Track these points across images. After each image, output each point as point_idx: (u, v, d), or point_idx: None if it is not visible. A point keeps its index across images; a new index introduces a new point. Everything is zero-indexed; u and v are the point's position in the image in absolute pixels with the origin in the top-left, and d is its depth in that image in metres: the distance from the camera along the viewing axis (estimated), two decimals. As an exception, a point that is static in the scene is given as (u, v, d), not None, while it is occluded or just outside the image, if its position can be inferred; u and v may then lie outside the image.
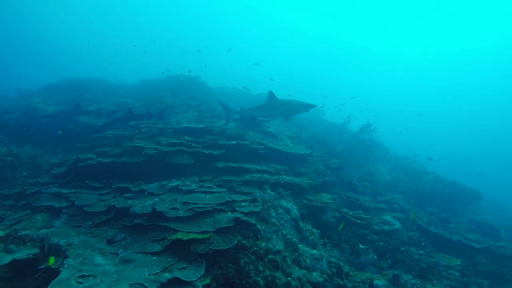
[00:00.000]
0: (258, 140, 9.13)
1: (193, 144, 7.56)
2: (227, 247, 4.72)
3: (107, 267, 3.70)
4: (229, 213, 5.49)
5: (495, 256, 8.28)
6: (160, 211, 5.11)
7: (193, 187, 6.22)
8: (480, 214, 11.34)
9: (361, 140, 12.23)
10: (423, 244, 8.10)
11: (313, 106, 8.21)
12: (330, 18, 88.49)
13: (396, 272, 6.23)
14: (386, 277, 6.27)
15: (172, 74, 17.94)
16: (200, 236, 4.77)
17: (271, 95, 8.35)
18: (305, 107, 8.22)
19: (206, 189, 6.21)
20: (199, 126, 8.73)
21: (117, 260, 4.00)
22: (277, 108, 8.18)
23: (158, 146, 7.33)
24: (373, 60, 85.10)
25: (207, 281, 4.35)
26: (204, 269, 4.34)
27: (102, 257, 3.97)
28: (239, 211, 5.49)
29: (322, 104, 21.78)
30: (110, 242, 4.62)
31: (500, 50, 69.98)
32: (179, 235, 4.69)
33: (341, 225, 7.09)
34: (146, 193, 5.93)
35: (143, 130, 8.59)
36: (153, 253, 4.34)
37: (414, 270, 7.07)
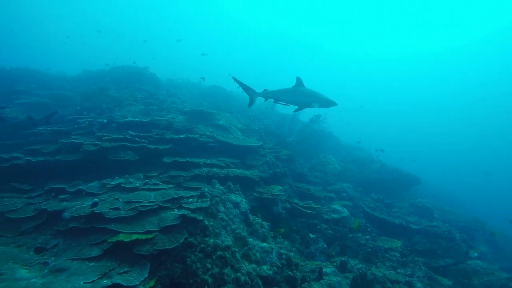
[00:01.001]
0: (208, 133, 8.94)
1: (137, 139, 7.16)
2: (173, 246, 4.54)
3: (33, 280, 3.33)
4: (176, 210, 5.29)
5: (429, 235, 9.03)
6: (99, 212, 4.76)
7: (137, 184, 5.90)
8: (418, 197, 12.30)
9: (311, 130, 12.54)
10: (369, 229, 8.57)
11: (335, 104, 7.56)
12: (283, 15, 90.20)
13: (343, 258, 6.51)
14: (335, 264, 6.54)
15: (118, 65, 16.89)
16: (144, 237, 4.53)
17: (299, 81, 7.57)
18: (330, 103, 7.48)
19: (151, 186, 5.93)
20: (145, 120, 8.30)
21: (46, 270, 3.63)
22: (307, 97, 7.38)
23: (99, 142, 6.83)
24: (326, 57, 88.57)
25: (152, 283, 4.15)
26: (148, 271, 4.12)
27: (26, 269, 3.57)
28: (186, 208, 5.32)
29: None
30: (39, 250, 4.20)
31: (437, 56, 77.18)
32: (121, 237, 4.41)
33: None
34: (84, 193, 5.49)
35: (83, 125, 7.96)
36: (91, 259, 4.02)
37: (360, 255, 7.46)
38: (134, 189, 5.73)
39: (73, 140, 6.78)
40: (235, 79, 8.06)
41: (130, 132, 7.47)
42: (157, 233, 4.69)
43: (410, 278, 6.29)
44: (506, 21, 66.55)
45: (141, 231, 4.54)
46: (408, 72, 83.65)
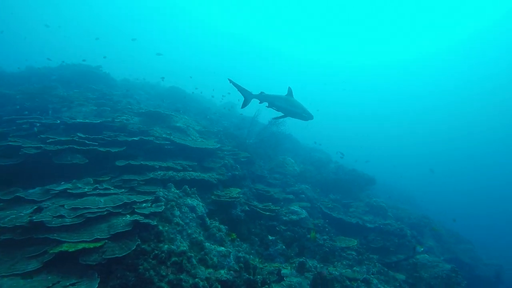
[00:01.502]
0: (164, 135, 8.65)
1: (87, 142, 6.72)
2: (124, 254, 4.29)
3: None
4: (128, 216, 5.02)
5: (383, 233, 9.48)
6: (40, 221, 4.36)
7: (86, 189, 5.51)
8: (373, 197, 12.86)
9: (270, 132, 12.64)
10: (327, 229, 8.79)
11: (312, 118, 8.01)
12: (244, 17, 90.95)
13: (301, 259, 6.59)
14: (294, 265, 6.59)
15: (68, 63, 15.80)
16: (92, 245, 4.22)
17: (290, 91, 8.05)
18: (309, 117, 7.96)
19: (102, 191, 5.58)
20: (96, 121, 7.83)
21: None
22: (295, 107, 7.83)
23: (42, 145, 6.30)
24: (283, 61, 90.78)
25: (101, 295, 3.90)
26: (97, 282, 3.85)
27: None
28: (139, 213, 5.07)
29: (237, 100, 21.96)
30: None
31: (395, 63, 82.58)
32: (65, 247, 4.07)
33: None
34: (23, 201, 5.02)
35: (24, 126, 7.30)
36: (27, 274, 3.65)
37: (318, 255, 7.61)
38: (83, 195, 5.35)
39: (11, 143, 6.19)
40: (230, 81, 8.24)
41: (79, 134, 7.00)
42: (106, 241, 4.41)
43: (368, 276, 6.53)
44: (459, 35, 72.82)
45: (88, 240, 4.23)
46: (364, 77, 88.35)
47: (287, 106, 7.81)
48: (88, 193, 5.39)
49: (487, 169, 63.17)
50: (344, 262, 7.71)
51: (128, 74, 21.04)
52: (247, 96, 8.25)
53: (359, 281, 6.43)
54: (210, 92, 21.12)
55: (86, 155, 6.51)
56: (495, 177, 59.37)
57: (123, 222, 4.80)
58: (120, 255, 4.26)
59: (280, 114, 8.14)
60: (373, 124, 76.35)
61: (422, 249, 7.57)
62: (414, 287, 7.67)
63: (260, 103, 8.00)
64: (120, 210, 5.12)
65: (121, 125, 8.05)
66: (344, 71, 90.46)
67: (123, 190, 6.02)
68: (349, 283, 6.40)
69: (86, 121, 7.82)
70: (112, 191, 5.72)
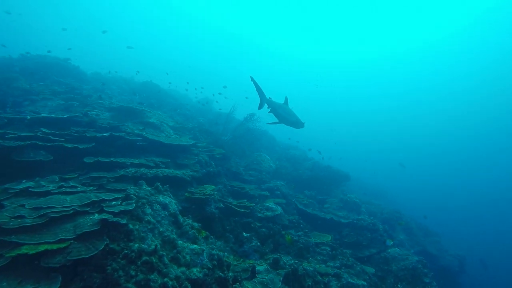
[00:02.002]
0: (136, 131, 8.38)
1: (52, 138, 6.37)
2: (90, 254, 4.11)
3: None
4: (96, 214, 4.81)
5: (356, 228, 9.68)
6: (-3, 222, 4.09)
7: (50, 188, 5.23)
8: (348, 193, 13.12)
9: (246, 129, 12.58)
10: (301, 225, 8.86)
11: (303, 126, 8.33)
12: (223, 9, 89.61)
13: (276, 255, 6.59)
14: (268, 261, 6.57)
15: (33, 54, 14.91)
16: (56, 246, 4.00)
17: (286, 100, 8.58)
18: (301, 125, 8.29)
19: (68, 189, 5.31)
20: (62, 116, 7.44)
21: None
22: (290, 116, 8.25)
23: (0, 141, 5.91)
24: (264, 55, 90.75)
25: (64, 298, 3.71)
26: (58, 285, 3.66)
27: None
28: (108, 212, 4.87)
29: (212, 95, 21.70)
30: None
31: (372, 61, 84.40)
32: (24, 250, 3.83)
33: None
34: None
35: (-19, 121, 6.84)
36: (-20, 279, 3.41)
37: (293, 251, 7.66)
38: (47, 194, 5.07)
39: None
40: (252, 79, 8.46)
41: (43, 130, 6.62)
42: (72, 241, 4.21)
43: (338, 270, 6.64)
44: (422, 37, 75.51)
45: (51, 241, 4.01)
46: (341, 74, 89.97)
47: (284, 114, 8.23)
48: (52, 191, 5.12)
49: (460, 164, 66.28)
50: (318, 258, 7.81)
51: (101, 68, 20.19)
52: (263, 99, 8.57)
53: (330, 276, 6.53)
54: (186, 87, 20.68)
55: (51, 152, 6.18)
56: (464, 172, 62.43)
57: (90, 221, 4.60)
58: (87, 256, 4.08)
59: (275, 120, 8.48)
60: (348, 120, 78.10)
61: (392, 243, 7.82)
62: (383, 280, 7.91)
63: (268, 107, 8.42)
64: (88, 209, 4.90)
65: (90, 120, 7.71)
66: (318, 66, 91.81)
67: (92, 188, 5.77)
68: (320, 278, 6.48)
69: (52, 115, 7.42)
70: (79, 189, 5.47)
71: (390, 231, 10.30)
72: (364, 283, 6.34)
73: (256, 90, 8.49)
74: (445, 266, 12.79)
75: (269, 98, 8.47)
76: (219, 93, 19.63)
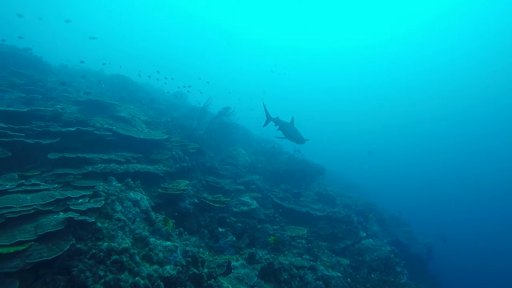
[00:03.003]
0: (106, 126, 8.02)
1: (10, 133, 5.93)
2: (54, 256, 3.86)
3: None
4: (61, 213, 4.53)
5: (332, 220, 9.79)
6: None
7: (7, 186, 4.87)
8: (323, 186, 13.25)
9: (221, 123, 12.37)
10: (277, 219, 8.84)
11: (304, 142, 9.22)
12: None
13: (252, 250, 6.52)
14: (244, 256, 6.50)
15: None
16: (13, 249, 3.71)
17: (292, 120, 9.39)
18: (302, 141, 9.21)
19: (28, 188, 4.96)
20: (22, 110, 6.95)
21: None
22: (295, 133, 9.15)
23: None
24: (238, 44, 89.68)
25: (23, 304, 3.46)
26: (13, 292, 3.41)
27: None
28: (74, 210, 4.60)
29: (184, 86, 21.15)
30: None
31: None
32: (-26, 255, 3.53)
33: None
34: None
35: None
36: None
37: (269, 245, 7.63)
38: (3, 193, 4.71)
39: None
40: (264, 105, 9.70)
41: (0, 124, 6.16)
42: (33, 242, 3.93)
43: (314, 263, 6.67)
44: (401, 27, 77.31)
45: (8, 243, 3.72)
46: (314, 64, 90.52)
47: (290, 132, 9.18)
48: (10, 190, 4.76)
49: (430, 156, 69.00)
50: (295, 251, 7.84)
51: (67, 60, 19.16)
52: (269, 118, 9.61)
53: (305, 269, 6.56)
54: (157, 76, 19.86)
55: (10, 148, 5.76)
56: (435, 163, 65.18)
57: (54, 220, 4.33)
58: (50, 258, 3.83)
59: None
60: (323, 114, 79.16)
61: (365, 234, 7.97)
62: (358, 270, 8.08)
63: (275, 125, 9.34)
64: (51, 208, 4.61)
65: (54, 114, 7.25)
66: (291, 55, 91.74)
67: (57, 185, 5.44)
68: (296, 271, 6.50)
69: (10, 109, 6.91)
70: (42, 187, 5.13)
71: (364, 222, 10.53)
72: (339, 274, 6.42)
73: (264, 111, 9.66)
74: (415, 254, 13.29)
75: (277, 117, 9.47)
76: (189, 86, 19.02)
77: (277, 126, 9.36)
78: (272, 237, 7.28)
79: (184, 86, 18.03)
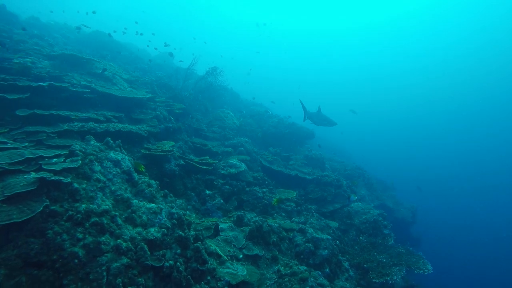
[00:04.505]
0: (84, 82, 7.41)
1: (-31, 85, 5.33)
2: (25, 218, 3.55)
3: None
4: (32, 173, 4.14)
5: (321, 184, 9.68)
6: None
7: (-30, 144, 4.41)
8: (312, 150, 13.08)
9: (208, 83, 11.75)
10: (266, 182, 8.65)
11: (336, 124, 11.07)
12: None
13: (240, 213, 6.35)
14: (232, 219, 6.34)
15: None
16: (-23, 211, 3.37)
17: (319, 108, 11.08)
18: (333, 125, 11.09)
19: (-5, 146, 4.51)
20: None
21: None
22: (325, 120, 11.02)
23: None
24: (221, 20, 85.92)
25: (-11, 270, 3.17)
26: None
27: None
28: (47, 170, 4.21)
29: (174, 48, 20.03)
30: None
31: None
32: None
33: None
34: None
35: None
36: None
37: (258, 208, 7.48)
38: (-35, 151, 4.26)
39: None
40: (301, 102, 11.36)
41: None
42: (0, 204, 3.58)
43: (303, 225, 6.58)
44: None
45: (-30, 205, 3.35)
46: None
47: (317, 121, 11.06)
48: (-28, 148, 4.31)
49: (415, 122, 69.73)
50: (283, 214, 7.74)
51: (38, 13, 17.56)
52: (306, 113, 11.24)
53: (295, 231, 6.47)
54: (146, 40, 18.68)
55: (-28, 103, 5.20)
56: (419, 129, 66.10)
57: (24, 180, 3.95)
58: (20, 220, 3.50)
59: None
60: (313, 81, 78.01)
61: (356, 197, 7.91)
62: (346, 233, 8.10)
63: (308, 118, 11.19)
64: (21, 167, 4.20)
65: (21, 67, 6.58)
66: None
67: (27, 144, 4.99)
68: (285, 233, 6.41)
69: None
70: (10, 146, 4.68)
71: (353, 186, 10.50)
72: (329, 237, 6.36)
73: (303, 107, 11.21)
74: (400, 218, 13.60)
75: (308, 110, 11.24)
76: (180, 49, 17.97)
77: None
78: (275, 199, 7.12)
79: (175, 49, 16.92)
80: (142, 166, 5.31)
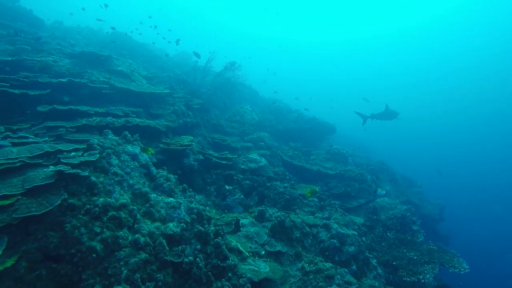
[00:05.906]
0: (102, 79, 7.42)
1: (-8, 82, 5.39)
2: (44, 210, 3.49)
3: None
4: (51, 167, 4.10)
5: (344, 179, 9.35)
6: None
7: (-8, 139, 4.42)
8: (334, 144, 12.71)
9: (225, 79, 11.58)
10: (288, 177, 8.42)
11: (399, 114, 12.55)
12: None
13: (261, 208, 6.14)
14: (253, 214, 6.13)
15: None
16: (-2, 203, 3.33)
17: (387, 106, 12.28)
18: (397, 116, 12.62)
19: (15, 140, 4.51)
20: (6, 59, 6.35)
21: None
22: (393, 115, 12.35)
23: None
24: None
25: (12, 261, 3.11)
26: (3, 248, 3.05)
27: None
28: (65, 163, 4.15)
29: (197, 46, 20.05)
30: None
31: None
32: (-44, 208, 3.14)
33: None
34: None
35: None
36: None
37: (279, 203, 7.25)
38: (-13, 145, 4.27)
39: None
40: (357, 112, 12.80)
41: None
42: (19, 196, 3.53)
43: (327, 221, 6.29)
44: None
45: (-9, 197, 3.31)
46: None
47: (390, 117, 12.29)
48: (-5, 142, 4.32)
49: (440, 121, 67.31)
50: (306, 209, 7.47)
51: (63, 17, 18.00)
52: (365, 118, 12.62)
53: (319, 227, 6.20)
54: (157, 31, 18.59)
55: (-5, 99, 5.25)
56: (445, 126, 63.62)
57: (43, 174, 3.90)
58: (39, 213, 3.44)
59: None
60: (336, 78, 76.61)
61: (384, 192, 7.52)
62: (372, 229, 7.74)
63: (371, 120, 12.66)
64: (41, 161, 4.17)
65: (43, 65, 6.64)
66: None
67: (47, 138, 4.98)
68: (309, 229, 6.15)
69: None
70: (31, 140, 4.67)
71: (378, 181, 10.07)
72: (355, 232, 6.05)
73: (360, 115, 12.62)
74: (427, 215, 12.98)
75: (371, 113, 12.51)
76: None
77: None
78: (308, 190, 6.87)
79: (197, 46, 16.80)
80: (151, 150, 5.16)
